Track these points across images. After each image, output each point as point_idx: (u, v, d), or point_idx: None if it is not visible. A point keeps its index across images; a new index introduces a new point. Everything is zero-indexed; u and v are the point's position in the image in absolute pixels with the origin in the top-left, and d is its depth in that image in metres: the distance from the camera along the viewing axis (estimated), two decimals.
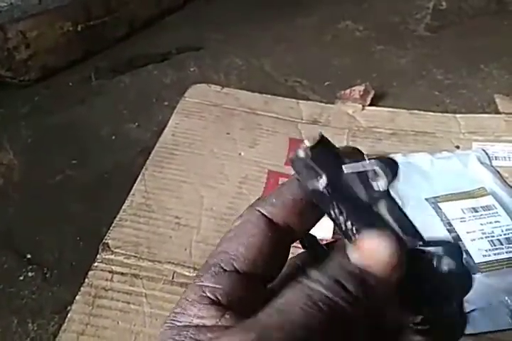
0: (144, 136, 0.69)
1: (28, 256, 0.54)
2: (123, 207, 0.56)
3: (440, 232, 0.53)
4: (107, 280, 0.49)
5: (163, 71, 0.82)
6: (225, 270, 0.22)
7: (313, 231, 0.25)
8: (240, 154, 0.64)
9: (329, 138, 0.23)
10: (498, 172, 0.61)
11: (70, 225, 0.57)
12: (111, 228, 0.54)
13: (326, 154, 0.23)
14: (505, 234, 0.53)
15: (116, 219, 0.55)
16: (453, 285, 0.22)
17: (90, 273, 0.50)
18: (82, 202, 0.60)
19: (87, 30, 0.83)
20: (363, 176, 0.22)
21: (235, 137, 0.66)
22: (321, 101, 0.74)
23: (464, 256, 0.23)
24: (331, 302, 0.19)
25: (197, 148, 0.65)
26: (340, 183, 0.22)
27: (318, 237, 0.25)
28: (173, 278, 0.50)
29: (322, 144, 0.23)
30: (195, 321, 0.20)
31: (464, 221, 0.55)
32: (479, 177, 0.60)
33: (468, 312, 0.46)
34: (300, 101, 0.74)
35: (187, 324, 0.20)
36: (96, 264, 0.51)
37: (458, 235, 0.53)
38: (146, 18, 0.93)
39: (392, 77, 0.81)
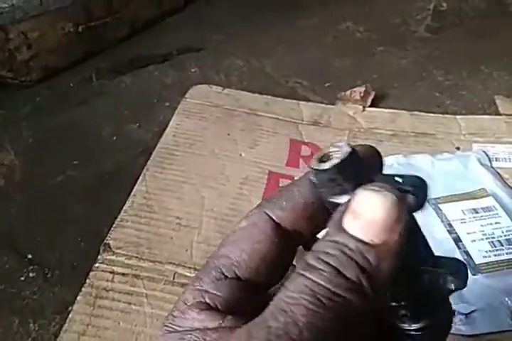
0: (144, 136, 0.69)
1: (30, 256, 0.55)
2: (124, 208, 0.56)
3: (440, 233, 0.53)
4: (108, 280, 0.50)
5: (164, 72, 0.82)
6: (226, 276, 0.21)
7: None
8: (240, 155, 0.64)
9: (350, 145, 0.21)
10: (499, 173, 0.61)
11: (71, 225, 0.57)
12: (112, 228, 0.54)
13: (353, 168, 0.20)
14: (505, 235, 0.53)
15: (118, 219, 0.55)
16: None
17: (91, 273, 0.50)
18: (83, 202, 0.60)
19: (88, 31, 0.83)
20: None
21: (236, 138, 0.67)
22: (321, 103, 0.74)
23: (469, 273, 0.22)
24: (333, 296, 0.18)
25: (198, 149, 0.65)
26: None
27: None
28: (174, 278, 0.50)
29: (351, 157, 0.20)
30: (197, 324, 0.20)
31: (465, 222, 0.55)
32: (480, 178, 0.60)
33: (469, 313, 0.46)
34: (301, 102, 0.74)
35: (188, 328, 0.20)
36: (97, 265, 0.51)
37: (458, 236, 0.53)
38: (147, 19, 0.93)
39: (392, 78, 0.81)
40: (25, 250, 0.55)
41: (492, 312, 0.47)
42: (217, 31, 0.92)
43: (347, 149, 0.20)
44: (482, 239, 0.52)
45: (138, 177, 0.60)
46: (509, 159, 0.63)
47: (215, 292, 0.21)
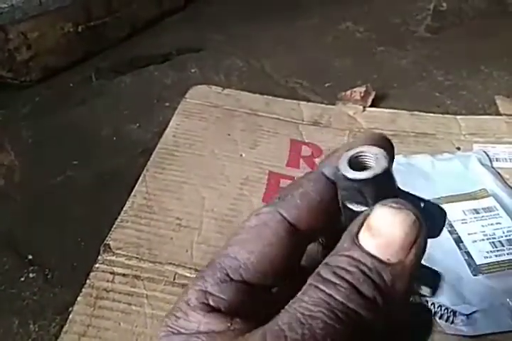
0: (144, 136, 0.69)
1: (30, 257, 0.54)
2: (124, 208, 0.56)
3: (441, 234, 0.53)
4: (108, 281, 0.49)
5: (164, 72, 0.82)
6: (232, 279, 0.20)
7: None
8: (241, 155, 0.64)
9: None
10: (499, 173, 0.61)
11: (71, 226, 0.57)
12: (112, 229, 0.54)
13: (384, 186, 0.19)
14: (506, 236, 0.53)
15: (118, 220, 0.55)
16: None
17: (91, 274, 0.50)
18: (83, 202, 0.60)
19: (87, 31, 0.83)
20: None
21: (236, 138, 0.66)
22: (321, 103, 0.74)
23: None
24: (349, 312, 0.18)
25: (198, 149, 0.65)
26: None
27: None
28: (174, 279, 0.50)
29: (385, 175, 0.19)
30: (202, 327, 0.19)
31: (465, 222, 0.55)
32: (480, 178, 0.60)
33: (470, 314, 0.46)
34: (301, 102, 0.74)
35: (194, 331, 0.19)
36: (97, 265, 0.51)
37: (459, 236, 0.53)
38: (146, 18, 0.93)
39: (392, 78, 0.81)
40: (25, 251, 0.55)
41: (493, 312, 0.46)
42: (217, 31, 0.92)
43: (384, 164, 0.19)
44: (483, 240, 0.52)
45: (138, 178, 0.60)
46: (510, 159, 0.63)
47: (219, 294, 0.20)
